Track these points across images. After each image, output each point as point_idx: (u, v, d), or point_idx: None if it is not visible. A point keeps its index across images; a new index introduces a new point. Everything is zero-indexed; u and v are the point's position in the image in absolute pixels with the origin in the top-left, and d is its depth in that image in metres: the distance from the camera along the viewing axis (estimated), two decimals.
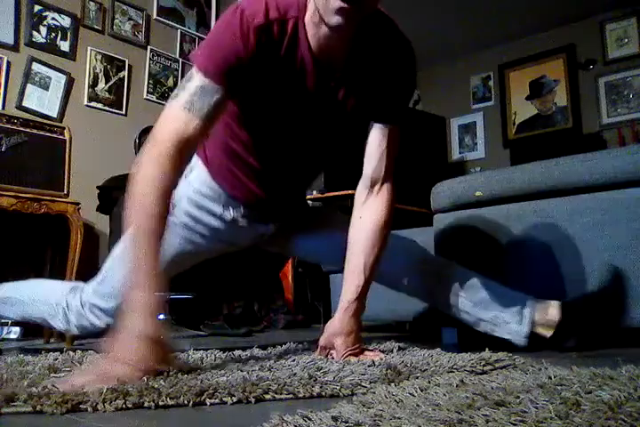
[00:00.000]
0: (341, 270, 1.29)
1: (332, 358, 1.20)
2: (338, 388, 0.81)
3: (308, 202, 1.57)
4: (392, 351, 1.27)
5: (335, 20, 1.01)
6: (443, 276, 1.45)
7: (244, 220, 1.36)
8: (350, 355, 1.17)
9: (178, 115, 1.05)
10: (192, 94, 1.05)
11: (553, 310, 1.36)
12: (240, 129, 1.23)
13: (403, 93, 1.26)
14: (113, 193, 2.53)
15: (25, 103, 2.85)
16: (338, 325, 1.22)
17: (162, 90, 3.49)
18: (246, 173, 1.30)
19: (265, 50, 1.06)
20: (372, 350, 1.23)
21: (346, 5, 0.98)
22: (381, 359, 1.09)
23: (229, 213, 1.34)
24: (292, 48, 1.09)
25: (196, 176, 1.33)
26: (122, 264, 1.34)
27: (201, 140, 1.11)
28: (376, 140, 1.26)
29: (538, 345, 1.35)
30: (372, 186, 1.28)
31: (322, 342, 1.24)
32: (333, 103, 1.20)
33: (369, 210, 1.27)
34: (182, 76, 3.57)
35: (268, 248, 1.56)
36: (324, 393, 0.80)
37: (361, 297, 1.24)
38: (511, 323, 1.37)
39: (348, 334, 1.20)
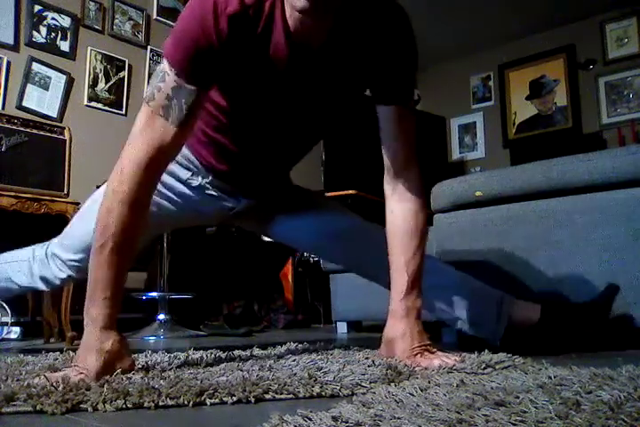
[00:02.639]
0: (320, 257, 1.19)
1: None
2: (338, 388, 0.81)
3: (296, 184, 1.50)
4: None
5: (300, 2, 0.95)
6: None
7: (213, 189, 1.33)
8: (414, 355, 1.10)
9: (154, 123, 0.99)
10: (167, 97, 0.99)
11: (532, 311, 1.32)
12: (217, 113, 1.18)
13: (401, 68, 1.15)
14: None
15: (25, 103, 2.85)
16: (390, 331, 1.16)
17: None
18: (223, 156, 1.25)
19: (239, 36, 1.00)
20: (438, 353, 1.12)
21: None
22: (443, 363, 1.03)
23: (196, 180, 1.30)
24: (268, 30, 1.03)
25: None
26: (82, 220, 1.39)
27: (180, 147, 1.06)
28: (386, 126, 1.18)
29: (514, 345, 1.27)
30: (396, 175, 1.20)
31: (382, 353, 1.17)
32: (315, 84, 1.12)
33: (398, 202, 1.20)
34: None
35: (240, 225, 1.51)
36: (323, 393, 0.80)
37: (407, 294, 1.15)
38: (488, 323, 1.33)
39: (402, 336, 1.13)
